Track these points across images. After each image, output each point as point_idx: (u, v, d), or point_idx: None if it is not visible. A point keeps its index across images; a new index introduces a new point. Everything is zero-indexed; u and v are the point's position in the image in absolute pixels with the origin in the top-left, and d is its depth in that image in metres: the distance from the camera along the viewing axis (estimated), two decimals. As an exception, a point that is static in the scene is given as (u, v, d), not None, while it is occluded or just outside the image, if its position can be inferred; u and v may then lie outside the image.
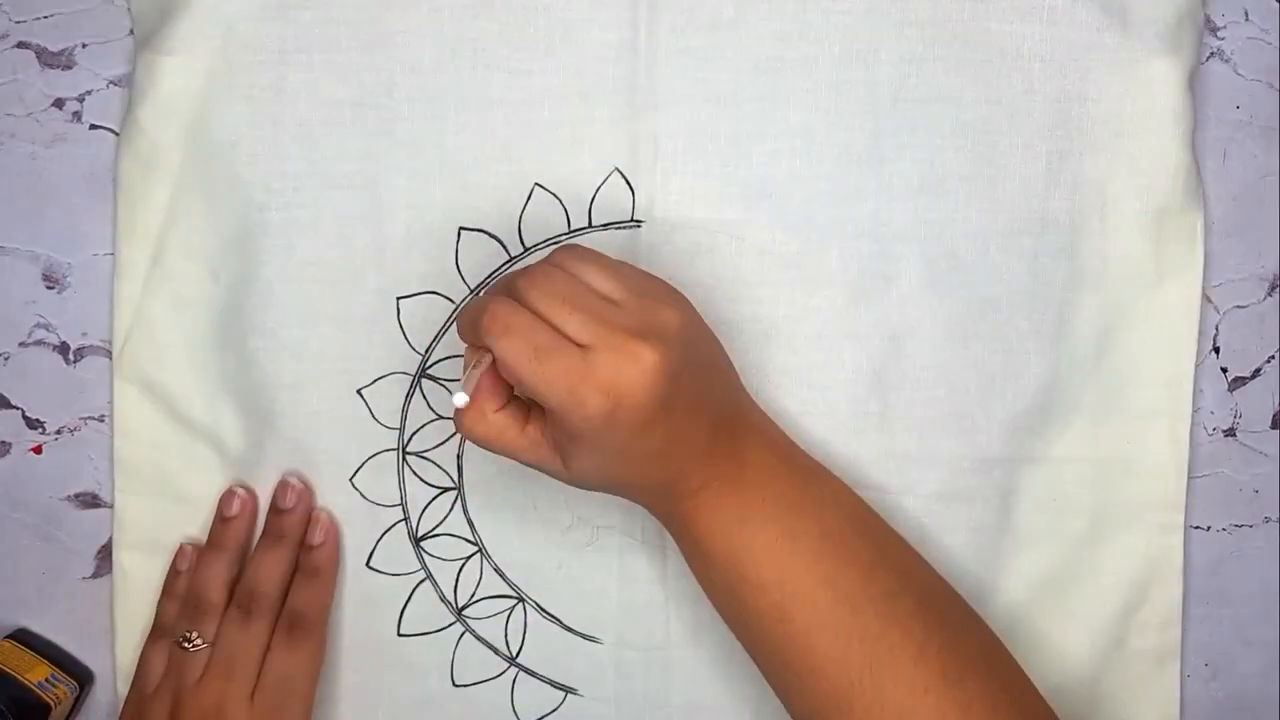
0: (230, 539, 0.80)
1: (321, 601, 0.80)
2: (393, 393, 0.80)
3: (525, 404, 0.69)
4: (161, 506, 0.82)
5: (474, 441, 0.69)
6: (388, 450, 0.81)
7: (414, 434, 0.81)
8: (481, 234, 0.79)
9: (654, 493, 0.70)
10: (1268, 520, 0.83)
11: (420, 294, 0.80)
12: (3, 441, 0.83)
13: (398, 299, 0.80)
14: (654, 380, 0.64)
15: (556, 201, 0.79)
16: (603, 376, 0.63)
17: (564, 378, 0.63)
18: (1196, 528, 0.82)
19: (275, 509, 0.81)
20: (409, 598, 0.82)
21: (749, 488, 0.70)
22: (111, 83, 0.82)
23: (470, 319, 0.66)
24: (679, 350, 0.65)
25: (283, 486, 0.81)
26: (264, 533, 0.81)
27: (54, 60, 0.82)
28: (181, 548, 0.82)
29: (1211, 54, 0.81)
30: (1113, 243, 0.79)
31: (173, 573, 0.81)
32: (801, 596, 0.68)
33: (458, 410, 0.68)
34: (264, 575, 0.79)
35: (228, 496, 0.81)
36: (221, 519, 0.81)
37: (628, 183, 0.79)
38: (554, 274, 0.66)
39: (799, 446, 0.74)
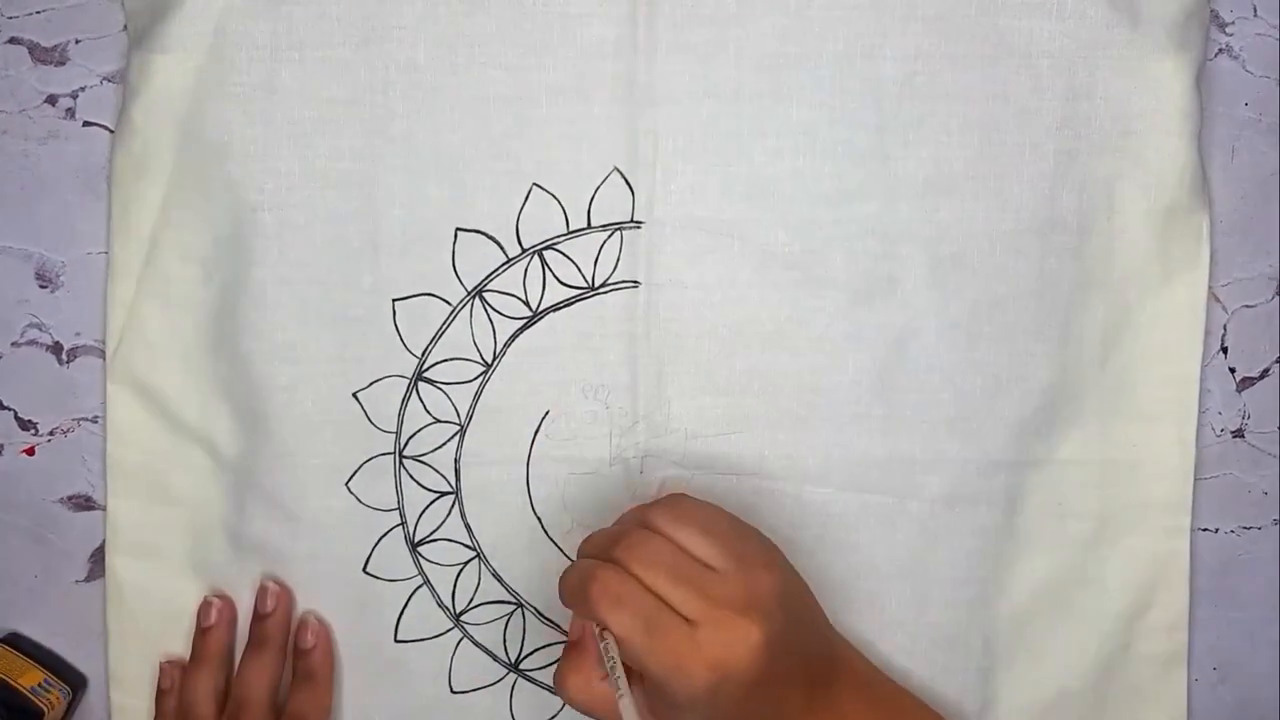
0: (212, 649, 0.81)
1: (321, 703, 0.80)
2: (389, 396, 0.80)
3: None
4: (155, 510, 0.82)
5: (572, 705, 0.69)
6: (384, 454, 0.80)
7: (410, 438, 0.80)
8: (478, 234, 0.79)
9: None
10: (1276, 522, 0.83)
11: (416, 296, 0.79)
12: (-5, 443, 0.83)
13: (393, 300, 0.79)
14: (758, 654, 0.64)
15: (555, 201, 0.79)
16: (709, 653, 0.64)
17: (672, 653, 0.64)
18: (1204, 530, 0.82)
19: (257, 615, 0.81)
20: (406, 603, 0.81)
21: None
22: (105, 79, 0.81)
23: (578, 586, 0.66)
24: (779, 618, 0.66)
25: (261, 591, 0.81)
26: (249, 640, 0.81)
27: (47, 56, 0.81)
28: (163, 667, 0.82)
29: (1220, 50, 0.80)
30: (1120, 243, 0.79)
31: (159, 694, 0.81)
32: None
33: (565, 679, 0.69)
34: (251, 683, 0.79)
35: (205, 607, 0.81)
36: (200, 630, 0.81)
37: (627, 182, 0.79)
38: (652, 541, 0.66)
39: (890, 680, 0.75)
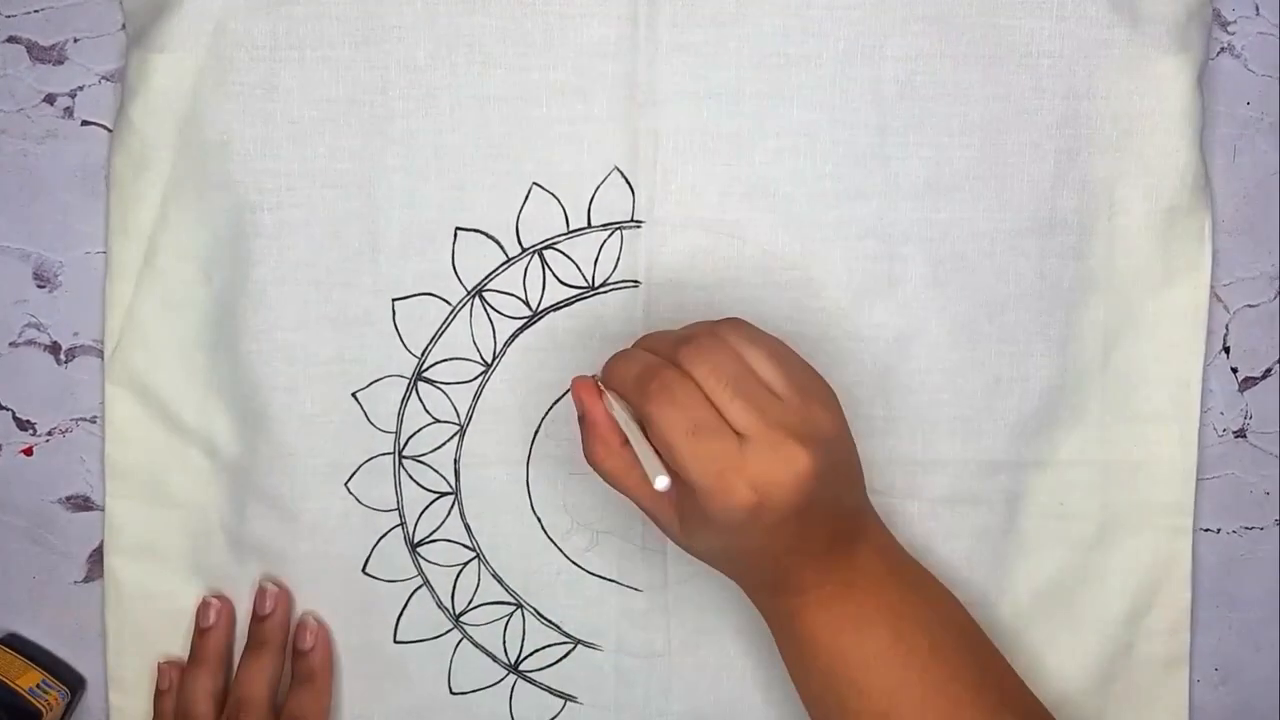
0: (210, 650, 0.81)
1: (320, 704, 0.80)
2: (388, 396, 0.80)
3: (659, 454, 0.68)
4: (153, 511, 0.81)
5: (600, 473, 0.69)
6: (384, 454, 0.80)
7: (410, 438, 0.80)
8: (478, 234, 0.79)
9: (763, 585, 0.70)
10: (1278, 522, 0.82)
11: (416, 295, 0.79)
12: (-7, 444, 0.83)
13: (393, 300, 0.79)
14: (802, 485, 0.63)
15: (555, 201, 0.78)
16: (754, 471, 0.62)
17: (716, 462, 0.62)
18: (1206, 530, 0.82)
19: (255, 616, 0.81)
20: (405, 604, 0.81)
21: (861, 593, 0.69)
22: (104, 78, 0.81)
23: (634, 374, 0.65)
24: (826, 456, 0.64)
25: (260, 593, 0.81)
26: (248, 641, 0.81)
27: (45, 55, 0.81)
28: (161, 668, 0.81)
29: (1222, 49, 0.80)
30: (1121, 243, 0.79)
31: (157, 694, 0.81)
32: (910, 707, 0.68)
33: (593, 451, 0.68)
34: (250, 684, 0.79)
35: (203, 607, 0.81)
36: (199, 631, 0.81)
37: (627, 182, 0.78)
38: (722, 350, 0.64)
39: (907, 552, 0.73)
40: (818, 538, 0.67)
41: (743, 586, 0.71)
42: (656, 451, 0.64)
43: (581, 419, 0.69)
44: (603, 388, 0.67)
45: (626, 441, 0.67)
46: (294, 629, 0.81)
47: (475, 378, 0.80)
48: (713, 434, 0.62)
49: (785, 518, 0.63)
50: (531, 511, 0.80)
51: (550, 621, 0.81)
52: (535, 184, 0.78)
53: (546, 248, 0.79)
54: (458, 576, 0.81)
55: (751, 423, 0.62)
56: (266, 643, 0.80)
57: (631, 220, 0.79)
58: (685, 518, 0.67)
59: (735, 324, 0.67)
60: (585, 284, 0.79)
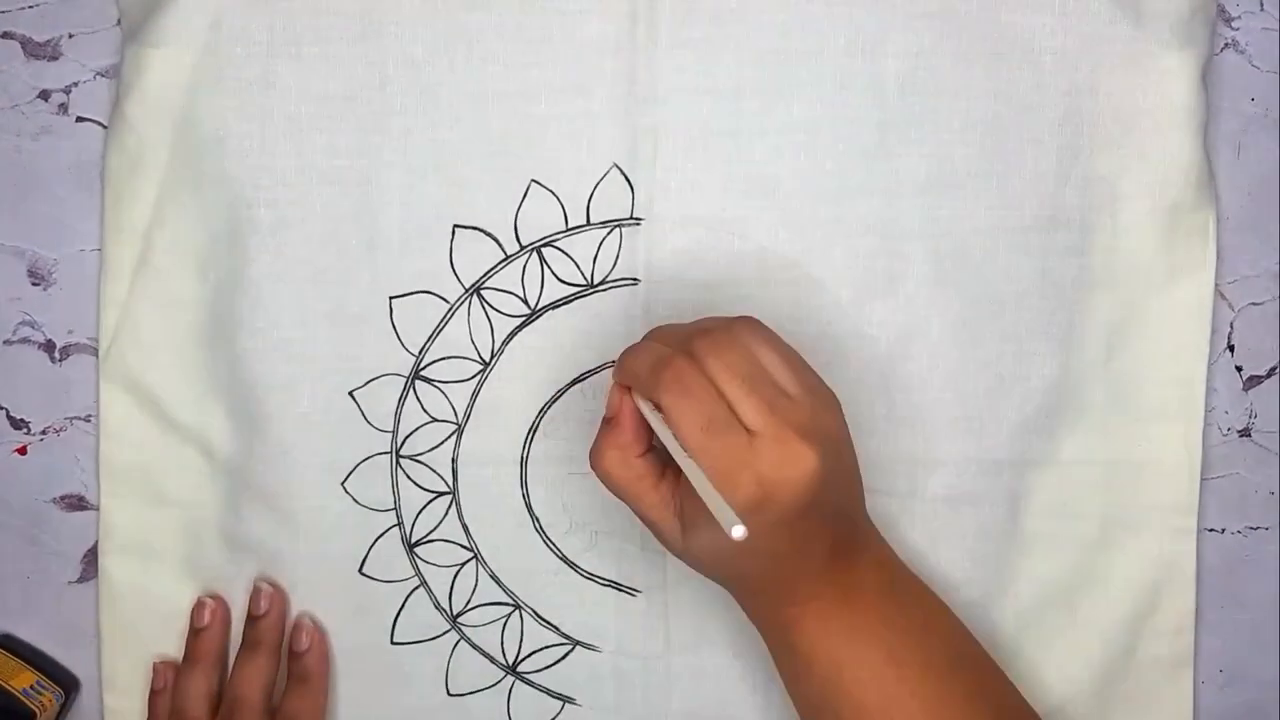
0: (205, 650, 0.80)
1: (315, 705, 0.80)
2: (385, 395, 0.79)
3: (662, 461, 0.68)
4: (149, 511, 0.81)
5: (606, 481, 0.68)
6: (381, 454, 0.80)
7: (407, 437, 0.80)
8: (476, 231, 0.78)
9: (760, 593, 0.69)
10: (1283, 522, 0.82)
11: (414, 293, 0.79)
12: (-14, 443, 0.83)
13: (390, 298, 0.79)
14: (809, 482, 0.63)
15: (554, 198, 0.78)
16: (763, 467, 0.62)
17: (726, 457, 0.62)
18: (1210, 530, 0.82)
19: (250, 617, 0.80)
20: (402, 605, 0.81)
21: (859, 606, 0.69)
22: (99, 74, 0.81)
23: (647, 367, 0.65)
24: (833, 458, 0.64)
25: (255, 593, 0.80)
26: (243, 642, 0.80)
27: (40, 51, 0.81)
28: (155, 668, 0.81)
29: (1225, 45, 0.80)
30: (1124, 240, 0.79)
31: (152, 695, 0.81)
32: None
33: (602, 453, 0.68)
34: (246, 684, 0.78)
35: (198, 608, 0.81)
36: (194, 631, 0.81)
37: (627, 179, 0.78)
38: (735, 347, 0.64)
39: (906, 566, 0.73)
40: (818, 545, 0.67)
41: (739, 595, 0.71)
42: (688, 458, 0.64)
43: (607, 420, 0.68)
44: (649, 406, 0.66)
45: (644, 453, 0.67)
46: (289, 629, 0.81)
47: (473, 376, 0.79)
48: (725, 429, 0.62)
49: (788, 517, 0.63)
50: (530, 512, 0.80)
51: (548, 622, 0.81)
52: (534, 181, 0.78)
53: (545, 245, 0.78)
54: (455, 577, 0.81)
55: (763, 419, 0.62)
56: (261, 643, 0.79)
57: (631, 218, 0.78)
58: (687, 520, 0.67)
59: (749, 322, 0.67)
60: (584, 282, 0.79)
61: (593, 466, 0.69)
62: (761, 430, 0.62)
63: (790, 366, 0.65)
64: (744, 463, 0.62)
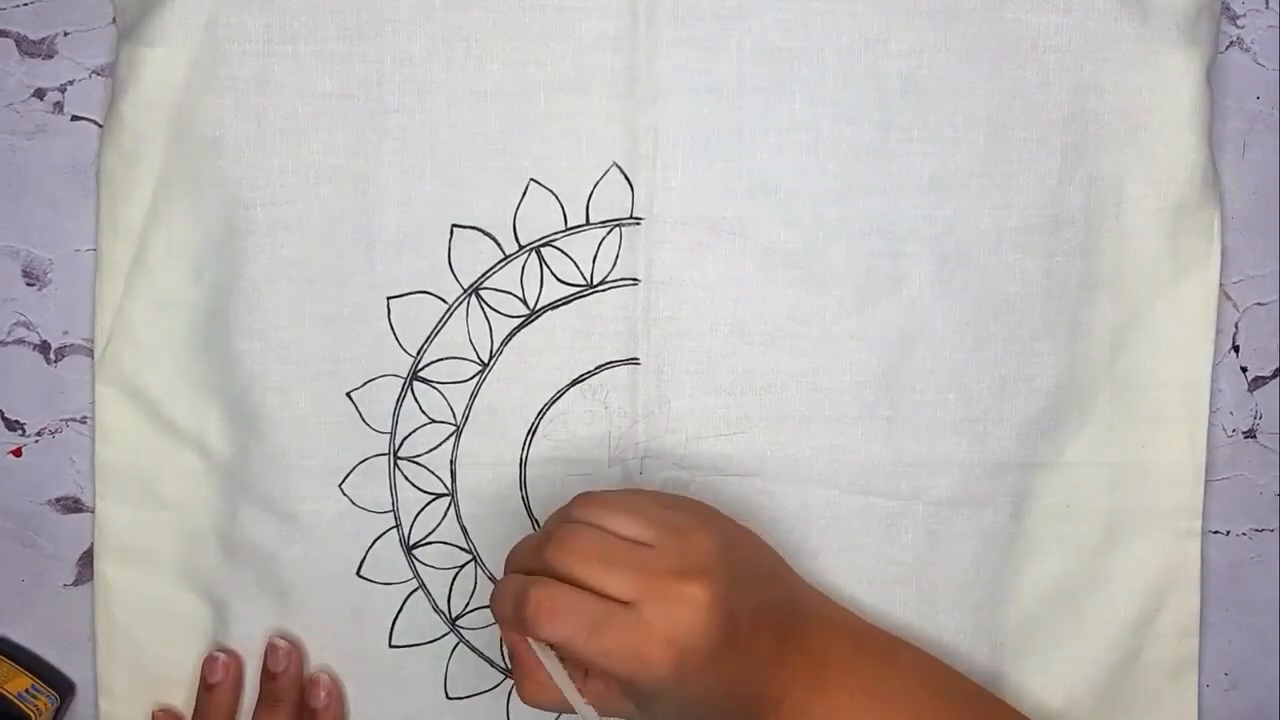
0: (216, 708, 0.80)
1: None
2: (383, 396, 0.79)
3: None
4: (144, 514, 0.80)
5: (545, 708, 0.68)
6: (378, 455, 0.79)
7: (405, 438, 0.79)
8: (475, 231, 0.78)
9: (739, 715, 0.69)
10: (1288, 524, 0.82)
11: (412, 294, 0.78)
12: (-19, 444, 0.82)
13: (388, 299, 0.78)
14: (710, 617, 0.63)
15: (553, 197, 0.78)
16: (660, 631, 0.62)
17: (624, 644, 0.62)
18: (1215, 532, 0.81)
19: (268, 673, 0.80)
20: (400, 608, 0.80)
21: (831, 687, 0.69)
22: (94, 72, 0.80)
23: (510, 609, 0.65)
24: (724, 576, 0.64)
25: (272, 649, 0.80)
26: (260, 698, 0.80)
27: (34, 49, 0.80)
28: (155, 717, 0.81)
29: (1231, 43, 0.80)
30: (1128, 240, 0.78)
31: None
32: None
33: (526, 690, 0.68)
34: None
35: (210, 662, 0.80)
36: (206, 686, 0.80)
37: (626, 178, 0.78)
38: (579, 532, 0.65)
39: (866, 622, 0.74)
40: (762, 652, 0.67)
41: None
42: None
43: (514, 658, 0.69)
44: (533, 644, 0.67)
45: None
46: (306, 685, 0.80)
47: (472, 377, 0.79)
48: (608, 620, 0.63)
49: (714, 654, 0.64)
50: (529, 513, 0.80)
51: (548, 625, 0.80)
52: (533, 180, 0.78)
53: (544, 245, 0.78)
54: (454, 579, 0.80)
55: (634, 586, 0.63)
56: (279, 701, 0.79)
57: (631, 217, 0.78)
58: (635, 701, 0.67)
59: (584, 501, 0.67)
60: (584, 282, 0.78)
61: (525, 702, 0.68)
62: (639, 597, 0.63)
63: (638, 515, 0.66)
64: (644, 637, 0.62)
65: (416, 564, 0.80)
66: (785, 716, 0.68)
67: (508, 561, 0.69)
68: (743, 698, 0.67)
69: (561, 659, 0.67)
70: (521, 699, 0.68)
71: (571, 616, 0.63)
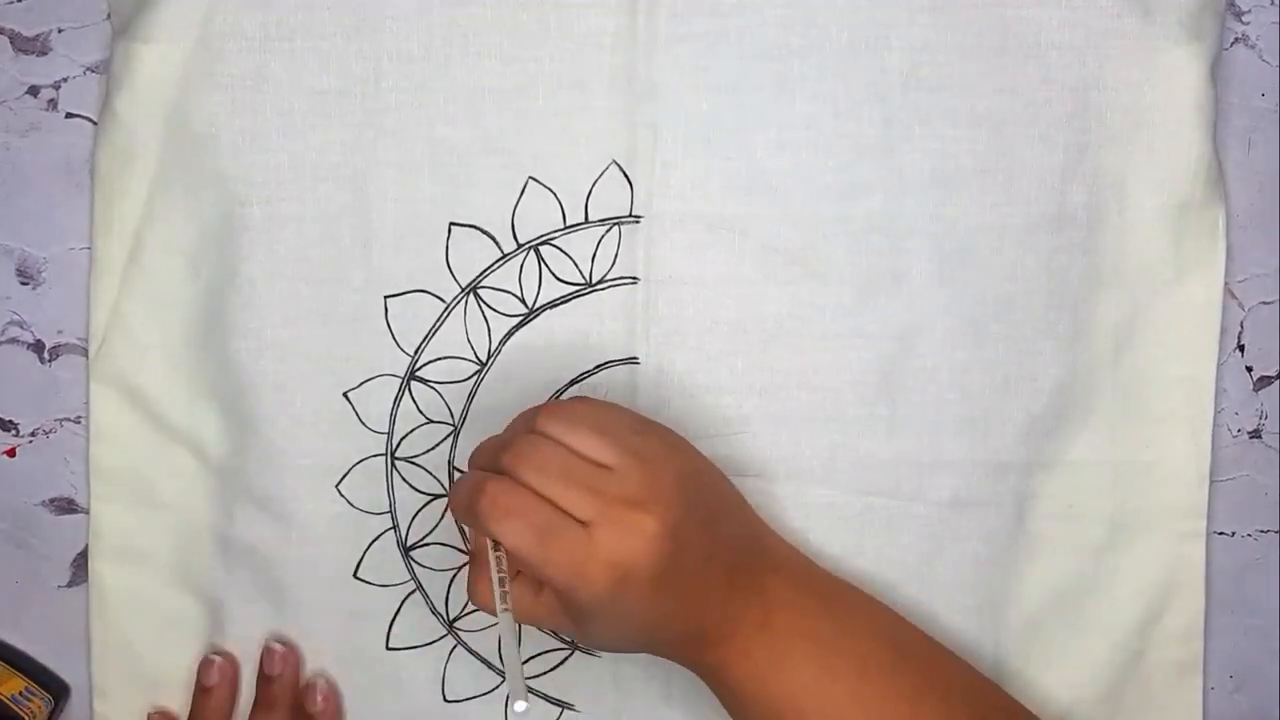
0: (212, 712, 0.80)
1: None
2: (381, 395, 0.79)
3: None
4: (140, 514, 0.80)
5: (489, 611, 0.68)
6: (376, 455, 0.79)
7: (403, 438, 0.79)
8: (473, 229, 0.78)
9: (679, 647, 0.70)
10: (1293, 525, 0.82)
11: (409, 292, 0.78)
12: (-25, 445, 0.82)
13: (385, 297, 0.78)
14: (658, 546, 0.64)
15: (551, 195, 0.78)
16: (606, 553, 0.63)
17: (569, 558, 0.63)
18: (1220, 533, 0.81)
19: (263, 677, 0.80)
20: (398, 610, 0.80)
21: (780, 629, 0.69)
22: (88, 69, 0.80)
23: (465, 501, 0.65)
24: (681, 507, 0.65)
25: (268, 653, 0.80)
26: (255, 702, 0.80)
27: (28, 46, 0.80)
28: (150, 719, 0.81)
29: (1236, 39, 0.80)
30: (1132, 238, 0.78)
31: None
32: None
33: (474, 589, 0.69)
34: None
35: (206, 665, 0.80)
36: (201, 689, 0.80)
37: (626, 176, 0.77)
38: (542, 445, 0.65)
39: (825, 570, 0.74)
40: (712, 586, 0.67)
41: (670, 658, 0.71)
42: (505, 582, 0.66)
43: (472, 555, 0.70)
44: (490, 545, 0.67)
45: (516, 575, 0.68)
46: (303, 688, 0.80)
47: (470, 377, 0.78)
48: (559, 531, 0.63)
49: (656, 581, 0.64)
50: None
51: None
52: (531, 178, 0.77)
53: (543, 244, 0.78)
54: (452, 581, 0.80)
55: (590, 508, 0.64)
56: (276, 705, 0.79)
57: (630, 215, 0.78)
58: (575, 618, 0.67)
59: (550, 411, 0.67)
60: (582, 281, 0.78)
61: (472, 601, 0.69)
62: (594, 518, 0.63)
63: (604, 436, 0.66)
64: (588, 554, 0.63)
65: (414, 565, 0.80)
66: (727, 655, 0.68)
67: (470, 460, 0.69)
68: (682, 631, 0.67)
69: (516, 572, 0.67)
70: (472, 599, 0.69)
71: (522, 518, 0.63)
